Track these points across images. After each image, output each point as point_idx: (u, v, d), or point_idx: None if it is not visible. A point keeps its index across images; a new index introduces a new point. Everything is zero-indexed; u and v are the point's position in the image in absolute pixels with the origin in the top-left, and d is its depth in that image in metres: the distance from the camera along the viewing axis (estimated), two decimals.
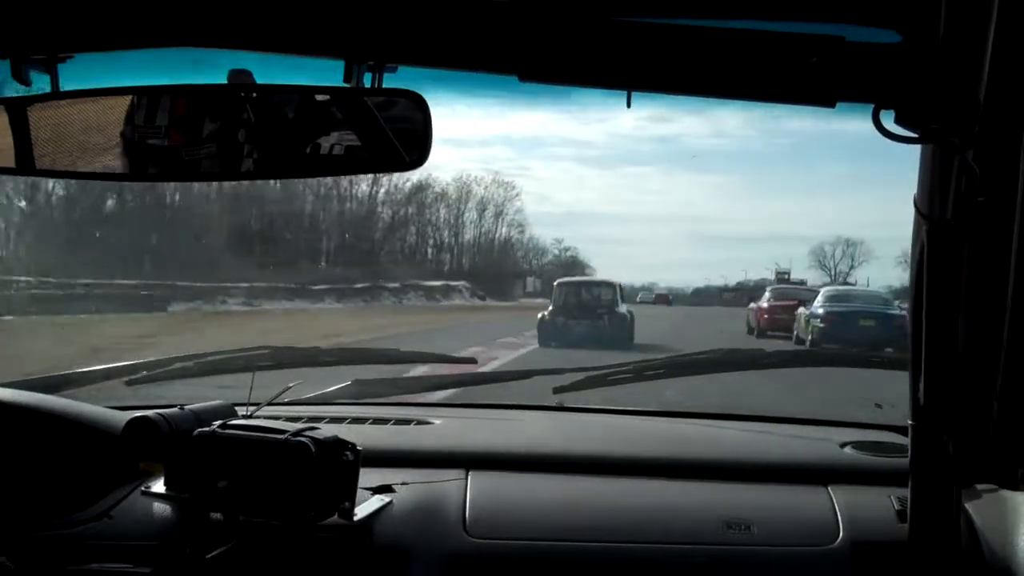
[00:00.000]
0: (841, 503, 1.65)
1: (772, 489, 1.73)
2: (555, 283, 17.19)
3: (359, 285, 30.38)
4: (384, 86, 1.18)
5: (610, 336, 14.22)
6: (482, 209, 44.99)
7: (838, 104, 1.17)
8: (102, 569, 1.53)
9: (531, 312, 16.40)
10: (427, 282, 34.79)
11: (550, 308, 15.37)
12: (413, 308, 28.80)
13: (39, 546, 1.53)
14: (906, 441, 1.44)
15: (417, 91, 1.19)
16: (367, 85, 1.17)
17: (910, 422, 1.40)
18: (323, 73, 1.18)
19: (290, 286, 26.36)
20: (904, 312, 14.26)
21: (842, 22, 1.17)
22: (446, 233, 43.65)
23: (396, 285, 32.59)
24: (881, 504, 1.63)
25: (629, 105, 1.19)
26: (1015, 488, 1.34)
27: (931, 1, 1.15)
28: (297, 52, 1.18)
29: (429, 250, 43.62)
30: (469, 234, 44.74)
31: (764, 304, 17.69)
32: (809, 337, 13.99)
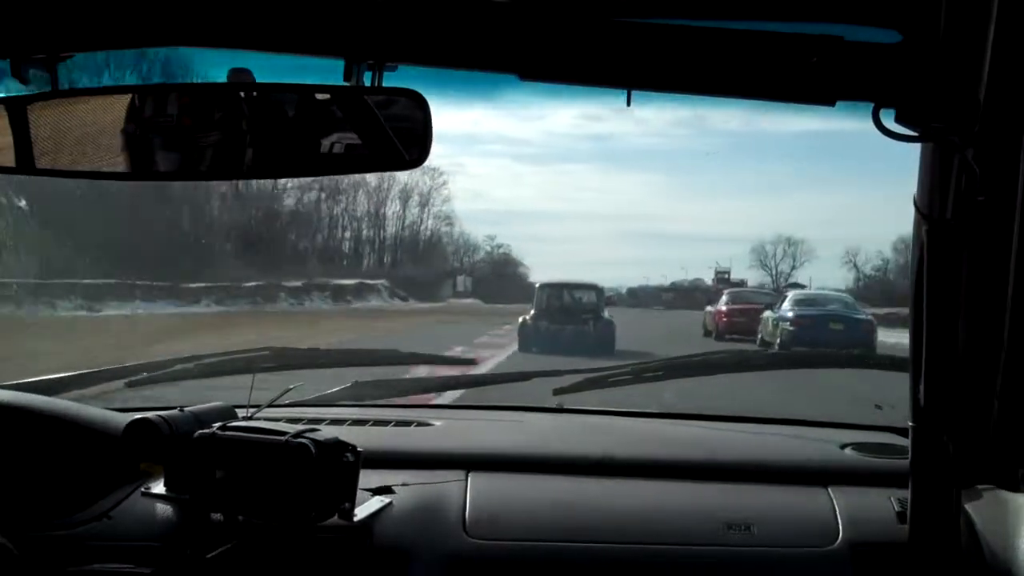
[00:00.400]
0: (841, 504, 1.65)
1: (772, 490, 1.72)
2: (537, 285, 16.51)
3: (249, 284, 25.73)
4: (384, 85, 1.18)
5: (595, 342, 13.80)
6: (405, 198, 41.47)
7: (838, 103, 1.17)
8: (103, 570, 1.53)
9: (465, 318, 15.53)
10: (338, 280, 30.74)
11: (532, 312, 14.87)
12: (309, 312, 24.87)
13: (40, 547, 1.53)
14: (906, 442, 1.44)
15: (417, 90, 1.19)
16: (367, 84, 1.17)
17: (910, 423, 1.40)
18: (323, 72, 1.18)
19: (155, 284, 21.73)
20: (870, 317, 14.21)
21: (842, 22, 1.17)
22: (364, 224, 39.81)
23: (298, 284, 28.41)
24: (881, 505, 1.63)
25: (629, 104, 1.19)
26: (1015, 489, 1.34)
27: (931, 1, 1.15)
28: (297, 51, 1.18)
29: (345, 243, 39.46)
30: (392, 227, 40.94)
31: (723, 307, 17.71)
32: (777, 340, 14.23)
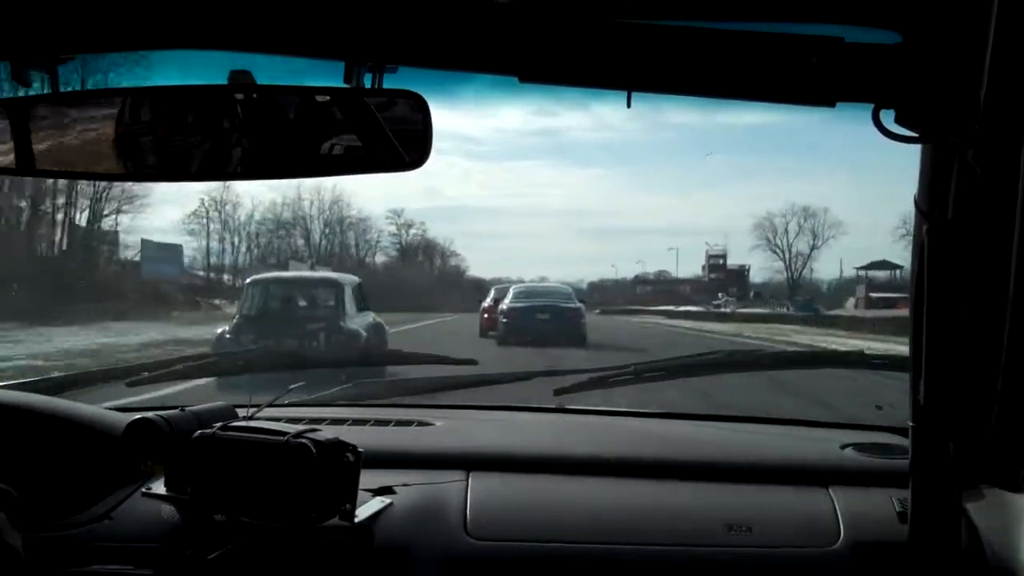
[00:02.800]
0: (842, 504, 1.65)
1: (773, 490, 1.73)
2: (247, 281, 11.90)
3: None
4: (384, 87, 1.18)
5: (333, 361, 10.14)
6: None
7: (838, 104, 1.17)
8: (103, 571, 1.53)
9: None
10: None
11: (234, 319, 10.54)
12: None
13: (40, 548, 1.53)
14: (907, 442, 1.44)
15: (417, 92, 1.19)
16: (367, 86, 1.17)
17: (910, 423, 1.40)
18: (323, 74, 1.18)
19: None
20: (578, 306, 15.07)
21: (842, 23, 1.17)
22: None
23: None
24: (882, 506, 1.63)
25: (629, 105, 1.19)
26: (1016, 490, 1.34)
27: (931, 1, 1.15)
28: (297, 53, 1.18)
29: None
30: None
31: (487, 303, 16.96)
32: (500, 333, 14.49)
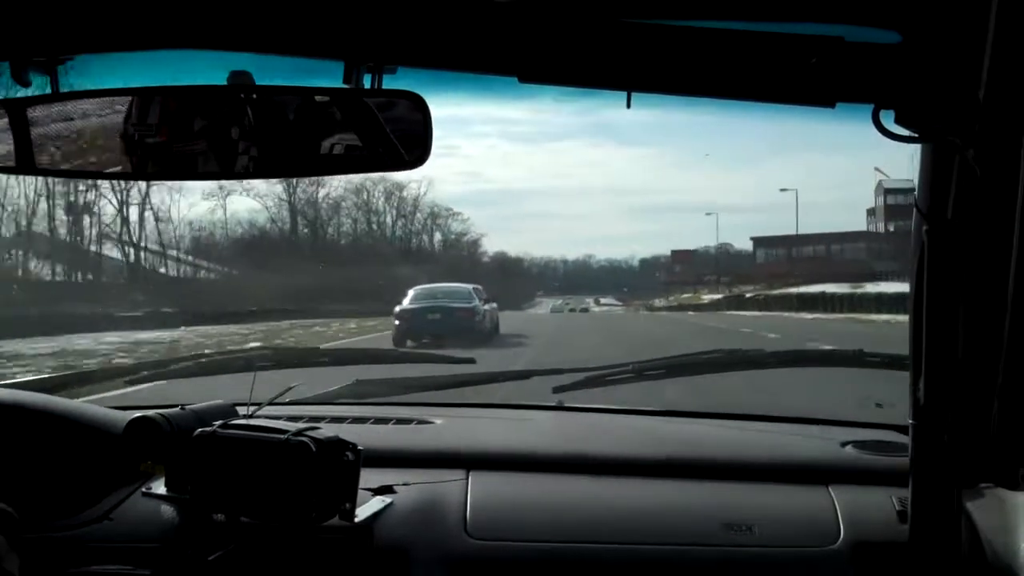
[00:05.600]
0: (842, 503, 1.65)
1: (773, 489, 1.73)
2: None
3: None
4: (384, 87, 1.18)
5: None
6: None
7: (838, 104, 1.17)
8: (103, 571, 1.53)
9: None
10: None
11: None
12: None
13: (39, 548, 1.53)
14: (906, 440, 1.44)
15: (417, 92, 1.19)
16: (367, 86, 1.17)
17: (910, 421, 1.40)
18: (323, 74, 1.18)
19: None
20: (471, 306, 14.45)
21: (842, 23, 1.17)
22: None
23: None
24: (882, 504, 1.63)
25: (629, 105, 1.19)
26: (1016, 488, 1.34)
27: (931, 1, 1.15)
28: (297, 53, 1.18)
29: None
30: None
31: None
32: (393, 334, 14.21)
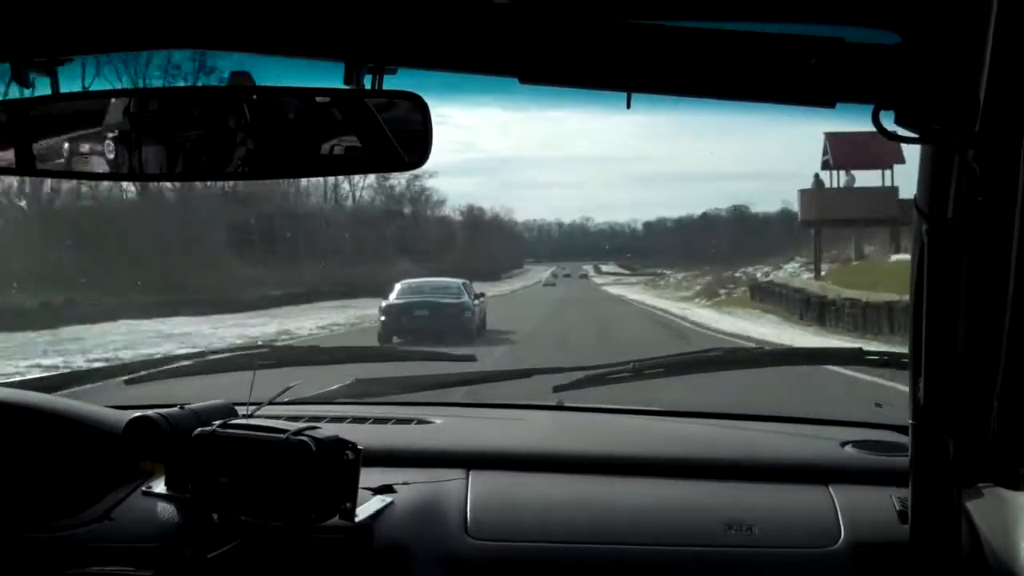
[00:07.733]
0: (842, 503, 1.65)
1: (773, 489, 1.73)
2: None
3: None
4: (384, 87, 1.18)
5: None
6: None
7: (838, 104, 1.17)
8: (103, 572, 1.53)
9: None
10: None
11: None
12: None
13: (39, 548, 1.53)
14: (906, 439, 1.44)
15: (417, 93, 1.19)
16: (367, 87, 1.17)
17: (911, 421, 1.40)
18: (323, 75, 1.18)
19: None
20: (461, 302, 14.01)
21: (842, 23, 1.17)
22: None
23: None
24: (882, 504, 1.63)
25: (629, 106, 1.19)
26: (1016, 488, 1.34)
27: (931, 1, 1.15)
28: (297, 54, 1.18)
29: None
30: None
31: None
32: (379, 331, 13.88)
